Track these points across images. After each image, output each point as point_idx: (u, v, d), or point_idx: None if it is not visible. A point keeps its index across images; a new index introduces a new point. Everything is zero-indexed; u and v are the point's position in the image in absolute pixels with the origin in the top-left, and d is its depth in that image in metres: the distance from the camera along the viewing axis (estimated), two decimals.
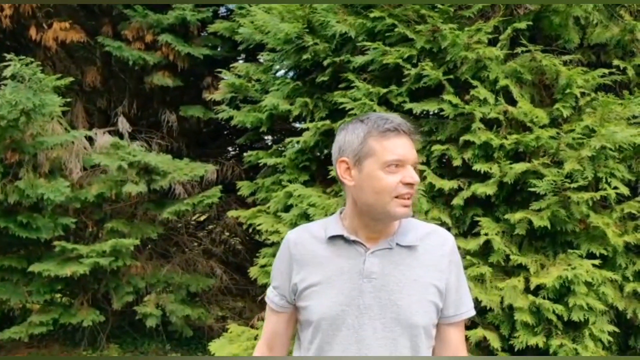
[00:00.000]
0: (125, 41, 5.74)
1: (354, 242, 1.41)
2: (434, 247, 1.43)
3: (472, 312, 1.49)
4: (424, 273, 1.40)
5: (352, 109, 3.63)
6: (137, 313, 5.62)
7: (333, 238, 1.42)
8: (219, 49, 6.17)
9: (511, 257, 3.19)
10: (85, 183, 5.46)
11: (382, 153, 1.34)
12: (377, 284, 1.37)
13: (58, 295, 5.94)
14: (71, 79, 5.07)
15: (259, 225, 4.23)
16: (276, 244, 4.27)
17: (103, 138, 5.44)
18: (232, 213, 4.70)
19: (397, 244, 1.40)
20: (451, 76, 3.50)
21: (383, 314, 1.36)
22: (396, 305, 1.36)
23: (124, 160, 5.15)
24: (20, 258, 5.37)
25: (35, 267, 5.10)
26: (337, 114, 3.89)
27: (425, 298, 1.39)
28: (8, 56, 4.52)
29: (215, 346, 4.20)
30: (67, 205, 5.28)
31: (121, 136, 5.68)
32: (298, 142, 4.13)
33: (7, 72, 4.44)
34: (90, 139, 5.56)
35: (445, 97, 3.45)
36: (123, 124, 5.71)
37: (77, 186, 5.38)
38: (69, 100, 5.26)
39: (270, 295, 1.53)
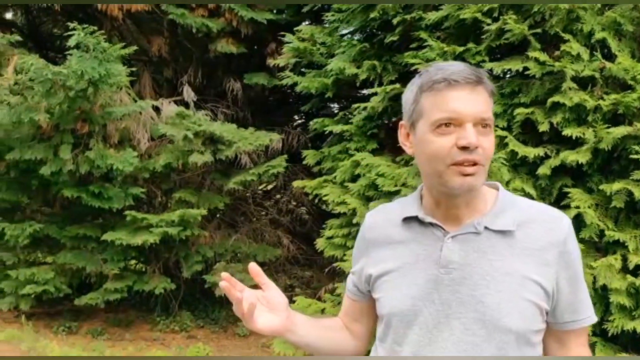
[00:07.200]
0: (188, 8, 5.64)
1: (431, 224, 1.16)
2: (540, 233, 1.12)
3: (594, 319, 1.18)
4: (521, 265, 1.10)
5: None
6: (207, 282, 5.67)
7: (408, 219, 1.19)
8: (283, 14, 5.97)
9: (606, 232, 2.86)
10: (153, 153, 5.51)
11: (430, 111, 1.09)
12: (456, 276, 1.11)
13: (132, 262, 6.10)
14: (135, 47, 5.04)
15: (325, 195, 4.06)
16: (343, 215, 4.10)
17: (169, 108, 5.42)
18: (297, 183, 4.56)
19: (486, 228, 1.12)
20: (538, 30, 3.13)
21: (464, 313, 1.10)
22: (481, 302, 1.09)
23: (189, 130, 5.11)
24: (95, 227, 5.53)
25: (108, 236, 5.23)
26: (408, 76, 3.59)
27: (521, 296, 1.10)
28: (72, 25, 4.52)
29: None
30: (137, 175, 5.34)
31: (187, 105, 5.65)
32: (365, 108, 3.89)
33: (71, 42, 4.44)
34: (157, 109, 5.57)
35: (531, 54, 3.09)
36: (188, 93, 5.67)
37: (146, 156, 5.42)
38: (134, 70, 5.25)
39: (348, 280, 1.35)
